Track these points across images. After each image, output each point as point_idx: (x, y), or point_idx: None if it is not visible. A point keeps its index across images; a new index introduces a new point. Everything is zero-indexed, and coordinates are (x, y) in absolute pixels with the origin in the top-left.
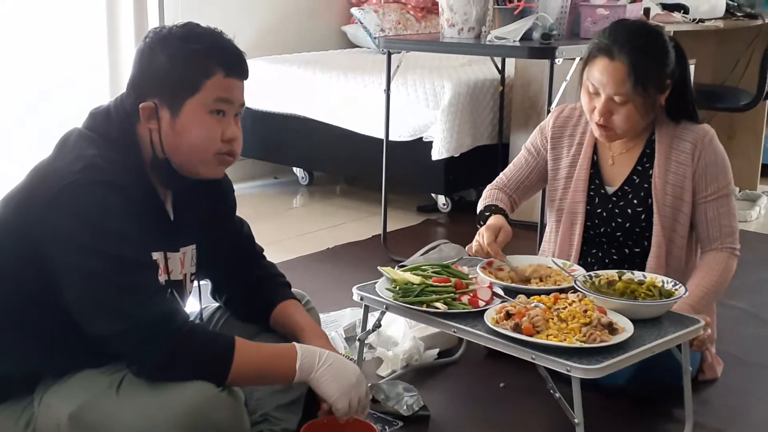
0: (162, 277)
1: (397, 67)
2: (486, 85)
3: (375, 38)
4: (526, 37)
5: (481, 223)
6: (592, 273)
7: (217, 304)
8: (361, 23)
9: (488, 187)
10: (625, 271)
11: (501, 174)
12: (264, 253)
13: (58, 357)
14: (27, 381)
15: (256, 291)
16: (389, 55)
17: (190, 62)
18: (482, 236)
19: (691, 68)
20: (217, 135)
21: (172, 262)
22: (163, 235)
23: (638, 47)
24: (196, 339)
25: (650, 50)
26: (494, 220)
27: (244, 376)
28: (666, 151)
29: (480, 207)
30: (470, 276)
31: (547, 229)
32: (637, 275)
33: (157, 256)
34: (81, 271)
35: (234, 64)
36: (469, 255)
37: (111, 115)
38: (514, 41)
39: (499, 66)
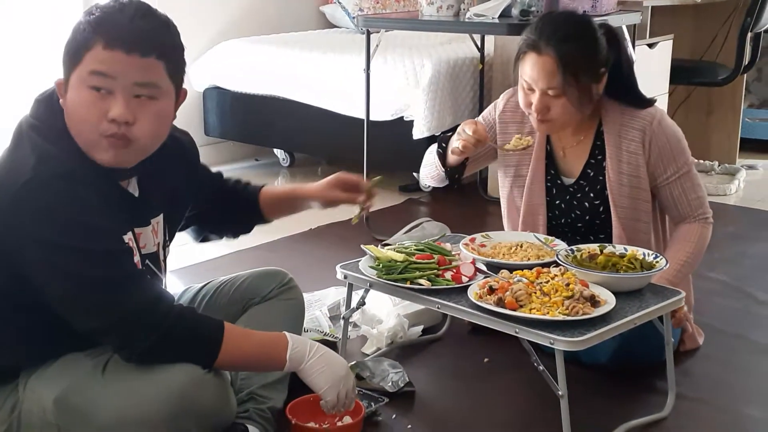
0: (135, 257)
1: (377, 46)
2: (466, 64)
3: (353, 17)
4: (505, 14)
5: (443, 145)
6: (573, 247)
7: (197, 287)
8: (339, 3)
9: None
10: (606, 244)
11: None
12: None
13: (39, 347)
14: (10, 368)
15: (238, 201)
16: (368, 34)
17: (76, 33)
18: (463, 130)
19: (669, 43)
20: (95, 112)
21: (143, 237)
22: (130, 214)
23: (563, 38)
24: (185, 323)
25: (577, 40)
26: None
27: (232, 362)
28: (616, 142)
29: (432, 148)
30: (453, 252)
31: (505, 221)
32: (618, 248)
33: (127, 238)
34: (57, 270)
35: (117, 36)
36: (455, 154)
37: (53, 104)
38: (493, 18)
39: (479, 44)
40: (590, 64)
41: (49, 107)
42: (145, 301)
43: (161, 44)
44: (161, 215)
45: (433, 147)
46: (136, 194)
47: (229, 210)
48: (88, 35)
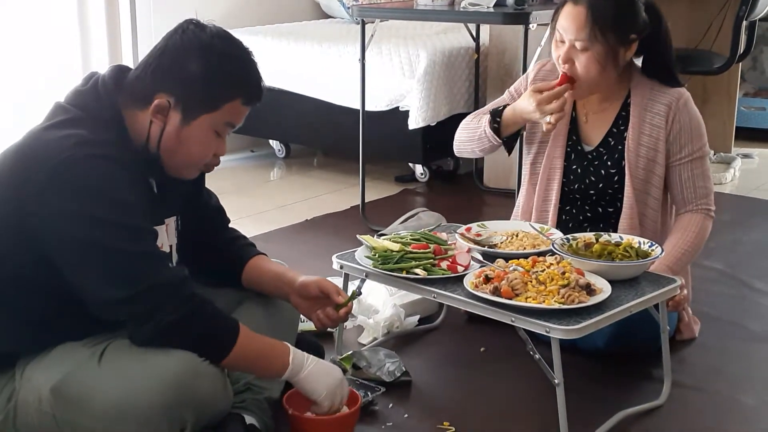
0: None
1: (372, 36)
2: (461, 53)
3: (348, 8)
4: (500, 3)
5: (498, 119)
6: (569, 236)
7: None
8: None
9: (469, 116)
10: (602, 233)
11: (478, 110)
12: (230, 224)
13: (37, 334)
14: (7, 356)
15: (225, 254)
16: (363, 24)
17: (219, 83)
18: (541, 103)
19: None
20: (210, 150)
21: (159, 237)
22: (150, 209)
23: None
24: (207, 312)
25: None
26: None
27: (239, 362)
28: (641, 114)
29: (481, 121)
30: (449, 242)
31: (522, 189)
32: (614, 237)
33: None
34: (88, 242)
35: (254, 98)
36: (547, 129)
37: (100, 95)
38: (488, 7)
39: (474, 33)
40: (621, 24)
41: (94, 97)
42: (174, 276)
43: None
44: (174, 217)
45: (481, 122)
46: (155, 190)
47: (211, 258)
48: (233, 90)
